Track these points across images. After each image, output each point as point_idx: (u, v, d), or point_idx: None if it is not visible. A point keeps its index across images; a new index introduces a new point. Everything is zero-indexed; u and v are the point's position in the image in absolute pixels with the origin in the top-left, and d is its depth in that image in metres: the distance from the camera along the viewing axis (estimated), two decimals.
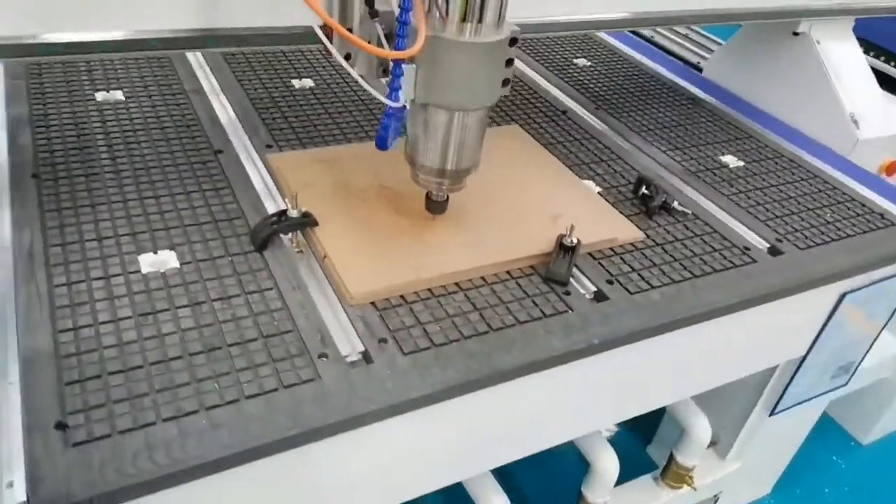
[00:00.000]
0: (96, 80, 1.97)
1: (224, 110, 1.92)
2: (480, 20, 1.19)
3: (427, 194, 1.49)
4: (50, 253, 1.36)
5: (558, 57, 2.61)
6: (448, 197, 1.50)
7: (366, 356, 1.26)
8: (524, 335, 1.34)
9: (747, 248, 1.69)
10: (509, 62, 1.26)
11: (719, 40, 2.98)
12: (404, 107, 1.24)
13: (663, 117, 2.27)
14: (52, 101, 1.84)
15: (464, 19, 1.18)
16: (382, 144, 1.29)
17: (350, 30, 1.27)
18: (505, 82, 1.28)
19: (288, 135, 1.85)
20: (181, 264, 1.39)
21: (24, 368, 1.13)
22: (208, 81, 2.05)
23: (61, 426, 1.05)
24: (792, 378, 1.95)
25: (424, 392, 1.21)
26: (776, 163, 2.09)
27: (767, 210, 1.86)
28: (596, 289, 1.50)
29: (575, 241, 1.52)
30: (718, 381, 1.83)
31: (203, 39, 1.32)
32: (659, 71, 2.61)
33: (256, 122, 1.89)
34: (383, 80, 1.25)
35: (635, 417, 1.77)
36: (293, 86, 2.08)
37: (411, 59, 1.20)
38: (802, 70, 2.24)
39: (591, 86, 2.42)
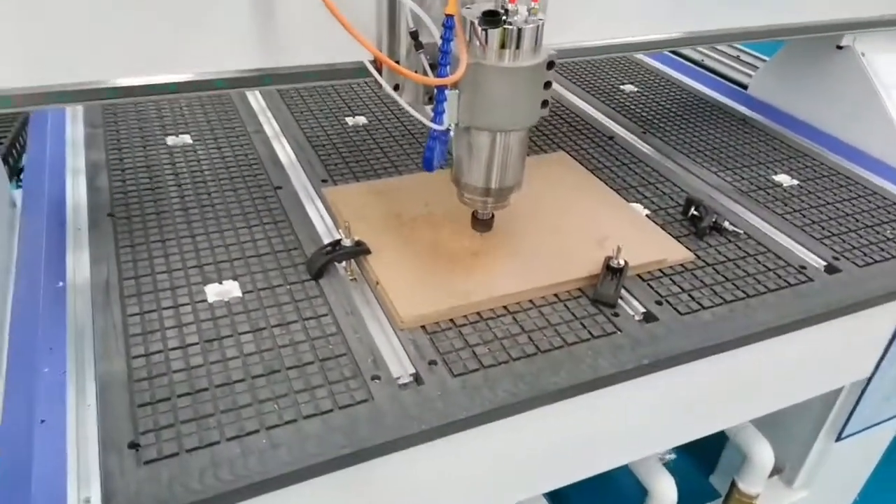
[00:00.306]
0: (167, 125, 2.11)
1: (283, 148, 2.03)
2: (518, 46, 1.25)
3: (473, 213, 1.54)
4: (124, 285, 1.47)
5: (605, 84, 2.65)
6: (493, 215, 1.55)
7: (416, 378, 1.30)
8: (571, 357, 1.36)
9: (803, 267, 1.66)
10: (547, 84, 1.31)
11: (763, 57, 2.95)
12: (448, 130, 1.30)
13: (712, 138, 2.27)
14: (127, 146, 1.99)
15: (502, 46, 1.25)
16: (429, 166, 1.37)
17: (397, 62, 1.36)
18: (544, 104, 1.33)
19: (342, 169, 1.94)
20: (243, 293, 1.47)
21: (100, 392, 1.22)
22: (268, 122, 2.17)
23: (134, 445, 1.12)
24: (857, 401, 1.89)
25: (473, 412, 1.24)
26: (832, 180, 2.06)
27: (823, 228, 1.82)
28: (645, 310, 1.50)
29: (622, 262, 1.54)
30: (778, 405, 1.78)
31: (261, 78, 1.41)
32: (706, 92, 2.61)
33: (313, 158, 1.98)
34: (428, 108, 1.32)
35: (696, 445, 1.74)
36: (347, 123, 2.18)
37: (454, 86, 1.27)
38: (849, 84, 2.20)
39: (638, 110, 2.44)
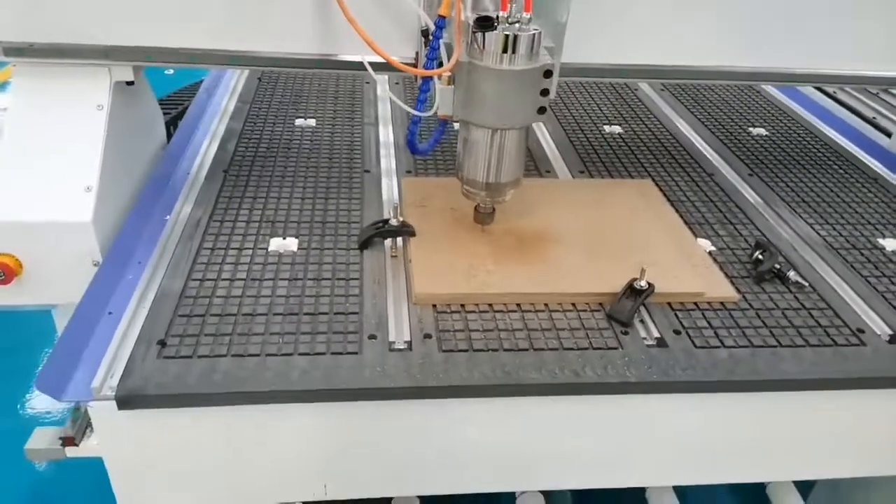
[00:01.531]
0: (300, 109, 2.43)
1: (386, 138, 2.25)
2: (514, 51, 1.35)
3: (476, 206, 1.63)
4: (210, 225, 1.75)
5: (730, 122, 2.56)
6: (494, 209, 1.64)
7: (409, 346, 1.42)
8: (559, 359, 1.40)
9: (861, 331, 1.53)
10: (545, 92, 1.38)
11: None
12: (445, 121, 1.46)
13: (825, 191, 2.11)
14: (262, 122, 2.33)
15: (496, 49, 1.36)
16: (413, 149, 1.54)
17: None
18: (541, 110, 1.40)
19: (429, 163, 2.11)
20: (298, 249, 1.68)
21: (156, 299, 1.49)
22: (385, 112, 2.42)
23: (161, 342, 1.37)
24: None
25: (444, 384, 1.33)
26: None
27: None
28: (659, 335, 1.48)
29: (645, 284, 1.53)
30: (793, 474, 1.62)
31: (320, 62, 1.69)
32: (842, 143, 2.42)
33: (408, 151, 2.17)
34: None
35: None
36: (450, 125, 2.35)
37: (450, 81, 1.40)
38: None
39: (755, 152, 2.34)
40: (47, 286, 1.67)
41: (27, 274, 1.65)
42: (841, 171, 2.26)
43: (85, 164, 1.69)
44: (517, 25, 1.37)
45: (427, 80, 1.44)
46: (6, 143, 1.69)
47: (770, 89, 2.83)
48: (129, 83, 1.81)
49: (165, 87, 3.52)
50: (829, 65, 1.92)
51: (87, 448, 1.42)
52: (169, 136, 2.29)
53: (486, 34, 1.35)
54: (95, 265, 1.64)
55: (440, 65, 1.47)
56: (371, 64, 1.63)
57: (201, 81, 2.69)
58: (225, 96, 2.48)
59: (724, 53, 1.84)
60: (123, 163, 1.87)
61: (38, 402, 1.90)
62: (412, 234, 1.70)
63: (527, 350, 1.42)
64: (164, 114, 2.33)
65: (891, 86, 2.54)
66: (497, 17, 1.36)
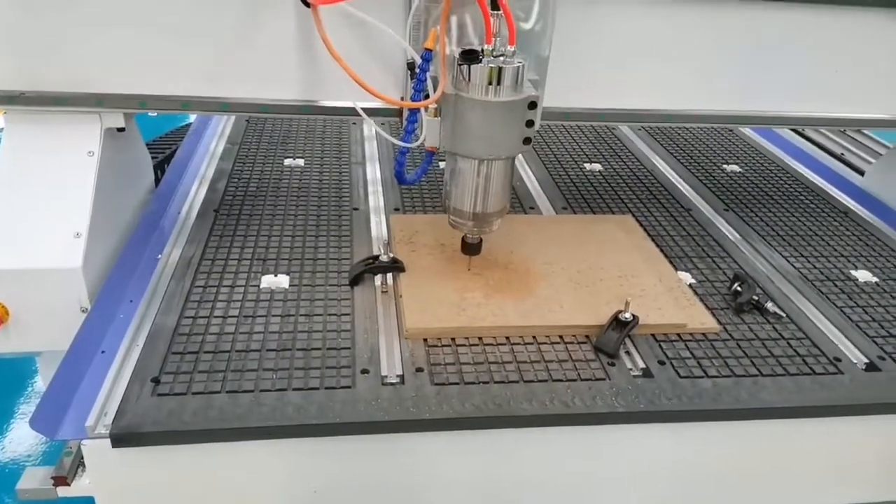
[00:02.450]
0: (288, 149, 2.49)
1: (374, 176, 2.31)
2: (500, 83, 1.40)
3: (463, 237, 1.68)
4: (202, 263, 1.78)
5: (704, 159, 2.66)
6: (481, 239, 1.68)
7: (402, 379, 1.44)
8: (548, 390, 1.43)
9: (837, 359, 1.58)
10: (530, 123, 1.44)
11: (887, 143, 2.77)
12: (432, 152, 1.52)
13: (801, 226, 2.20)
14: (251, 162, 2.37)
15: (480, 81, 1.41)
16: (400, 179, 1.59)
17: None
18: (526, 140, 1.46)
19: (416, 201, 2.16)
20: (289, 286, 1.71)
21: (150, 337, 1.51)
22: (372, 152, 2.47)
23: (155, 380, 1.38)
24: None
25: (437, 416, 1.35)
26: None
27: (883, 328, 1.71)
28: (644, 366, 1.52)
29: (629, 316, 1.58)
30: (786, 501, 1.64)
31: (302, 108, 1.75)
32: (812, 179, 2.52)
33: (393, 189, 2.23)
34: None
35: None
36: (435, 164, 2.41)
37: (437, 113, 1.45)
38: None
39: (730, 188, 2.42)
40: (34, 333, 1.66)
41: (14, 321, 1.63)
42: (812, 205, 2.35)
43: (75, 210, 1.69)
44: (502, 58, 1.43)
45: (414, 112, 1.49)
46: None
47: (743, 128, 2.94)
48: (120, 129, 1.82)
49: (151, 131, 3.54)
50: (807, 108, 1.99)
51: (79, 488, 1.42)
52: (157, 180, 2.31)
53: (472, 67, 1.40)
54: (84, 311, 1.63)
55: (426, 97, 1.51)
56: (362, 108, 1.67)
57: (188, 125, 2.73)
58: (214, 138, 2.53)
59: (704, 98, 1.92)
60: (113, 208, 1.88)
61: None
62: (402, 269, 1.74)
63: (517, 382, 1.45)
64: (152, 157, 2.36)
65: (866, 127, 2.65)
66: (482, 50, 1.41)
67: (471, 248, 1.70)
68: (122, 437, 1.27)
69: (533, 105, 1.43)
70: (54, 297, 1.63)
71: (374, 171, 2.35)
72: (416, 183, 1.70)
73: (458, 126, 1.47)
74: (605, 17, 1.75)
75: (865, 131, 2.90)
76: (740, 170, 2.60)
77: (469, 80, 1.42)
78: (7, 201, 1.69)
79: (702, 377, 1.51)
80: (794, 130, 2.98)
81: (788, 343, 1.63)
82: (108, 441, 1.27)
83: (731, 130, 2.93)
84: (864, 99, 2.00)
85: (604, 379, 1.48)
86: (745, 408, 1.44)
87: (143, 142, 2.23)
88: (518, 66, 1.42)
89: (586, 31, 1.75)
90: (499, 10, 1.42)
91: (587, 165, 2.55)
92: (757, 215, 2.25)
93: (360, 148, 2.53)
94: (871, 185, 2.48)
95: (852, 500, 1.64)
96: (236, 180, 2.24)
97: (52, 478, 1.41)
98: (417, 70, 1.47)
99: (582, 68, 1.78)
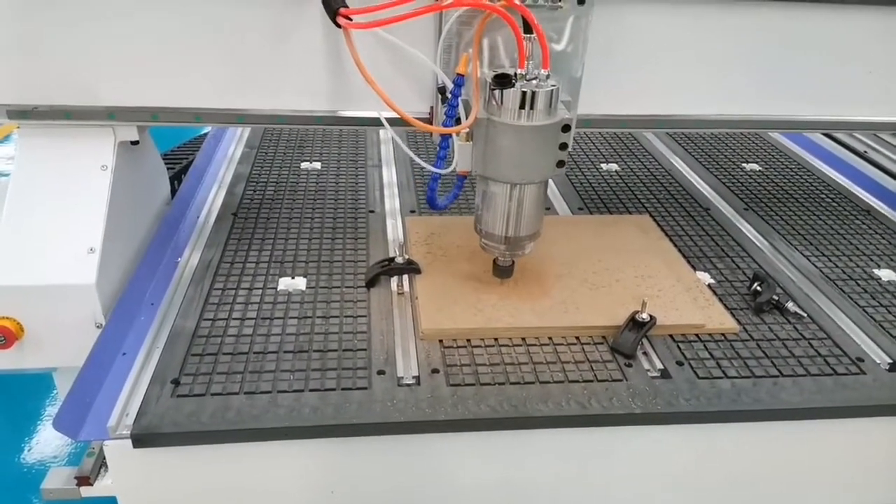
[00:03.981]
0: (305, 153, 2.50)
1: (391, 179, 2.32)
2: (532, 107, 1.39)
3: (494, 260, 1.66)
4: (220, 266, 1.79)
5: (725, 159, 2.63)
6: (514, 262, 1.66)
7: (418, 380, 1.44)
8: (565, 391, 1.42)
9: (860, 359, 1.56)
10: (563, 146, 1.42)
11: None
12: (464, 177, 1.49)
13: (821, 225, 2.17)
14: (269, 165, 2.39)
15: (514, 105, 1.39)
16: (432, 205, 1.56)
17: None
18: (560, 163, 1.44)
19: None
20: (306, 288, 1.72)
21: (170, 339, 1.53)
22: (388, 155, 2.48)
23: (175, 381, 1.40)
24: None
25: (453, 417, 1.35)
26: None
27: None
28: (663, 367, 1.51)
29: (647, 317, 1.57)
30: (806, 503, 1.62)
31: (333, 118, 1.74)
32: (836, 178, 2.48)
33: (411, 191, 2.23)
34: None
35: None
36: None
37: (468, 137, 1.44)
38: None
39: (750, 188, 2.40)
40: (49, 349, 1.65)
41: (28, 338, 1.62)
42: (834, 203, 2.32)
43: (88, 225, 1.67)
44: (535, 82, 1.41)
45: (446, 137, 1.48)
46: (9, 204, 1.68)
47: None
48: (134, 143, 1.81)
49: (168, 141, 3.53)
50: (836, 112, 1.92)
51: (102, 487, 1.44)
52: (173, 191, 2.31)
53: (505, 91, 1.39)
54: (98, 327, 1.63)
55: (458, 122, 1.49)
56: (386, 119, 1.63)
57: (205, 134, 2.76)
58: (232, 143, 2.56)
59: (729, 103, 1.87)
60: (127, 222, 1.86)
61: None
62: (418, 271, 1.75)
63: (533, 383, 1.45)
64: (168, 168, 2.35)
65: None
66: (515, 73, 1.40)
67: (503, 271, 1.67)
68: (143, 438, 1.29)
69: (567, 128, 1.41)
70: (68, 314, 1.63)
71: (389, 174, 2.36)
72: (447, 207, 1.68)
73: (490, 150, 1.45)
74: (626, 21, 1.71)
75: None
76: (760, 168, 2.57)
77: (501, 104, 1.40)
78: (21, 216, 1.68)
79: (721, 378, 1.49)
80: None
81: (809, 343, 1.61)
82: (129, 441, 1.29)
83: (752, 130, 2.90)
84: None
85: (621, 380, 1.47)
86: (765, 409, 1.42)
87: (158, 154, 2.22)
88: (551, 90, 1.40)
89: (609, 37, 1.71)
90: (532, 33, 1.41)
91: (604, 165, 2.53)
92: (777, 214, 2.22)
93: (377, 151, 2.55)
94: None
95: (874, 502, 1.62)
96: (254, 184, 2.26)
97: (76, 478, 1.43)
98: (449, 95, 1.46)
99: (600, 75, 1.76)
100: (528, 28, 1.41)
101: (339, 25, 1.49)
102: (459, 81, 1.44)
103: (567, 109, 1.49)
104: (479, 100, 1.44)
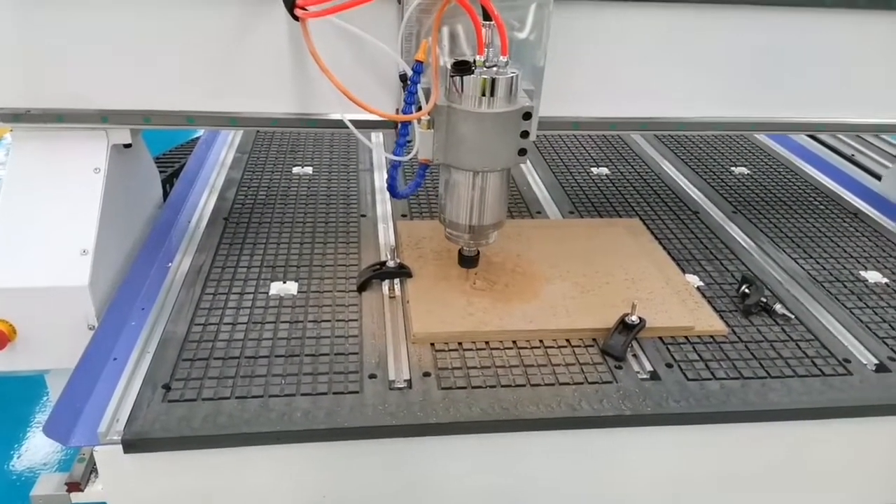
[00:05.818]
0: (297, 158, 2.51)
1: (382, 184, 2.32)
2: (493, 94, 1.40)
3: (459, 250, 1.67)
4: (212, 271, 1.80)
5: (713, 162, 2.65)
6: (479, 252, 1.67)
7: (409, 384, 1.45)
8: (555, 394, 1.43)
9: (847, 361, 1.58)
10: (524, 134, 1.43)
11: None
12: (425, 165, 1.51)
13: (808, 228, 2.19)
14: (260, 170, 2.40)
15: (473, 93, 1.40)
16: (393, 193, 1.59)
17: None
18: (522, 151, 1.45)
19: (423, 207, 2.17)
20: (298, 292, 1.73)
21: (161, 343, 1.53)
22: (380, 160, 2.49)
23: (166, 386, 1.40)
24: None
25: (443, 421, 1.36)
26: None
27: (893, 329, 1.70)
28: (652, 369, 1.52)
29: (636, 319, 1.58)
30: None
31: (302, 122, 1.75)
32: (823, 182, 2.51)
33: None
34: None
35: None
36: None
37: (430, 125, 1.44)
38: None
39: (738, 191, 2.42)
40: (41, 351, 1.65)
41: (21, 340, 1.63)
42: (822, 206, 2.34)
43: (82, 227, 1.67)
44: (495, 69, 1.42)
45: (406, 125, 1.49)
46: (2, 207, 1.69)
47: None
48: (127, 146, 1.82)
49: (160, 145, 3.55)
50: (818, 114, 1.96)
51: (92, 493, 1.43)
52: (165, 194, 2.31)
53: (465, 78, 1.40)
54: (91, 329, 1.63)
55: (419, 109, 1.49)
56: (352, 121, 1.62)
57: (198, 138, 2.76)
58: (224, 147, 2.56)
59: (715, 105, 1.89)
60: (120, 225, 1.87)
61: None
62: (409, 275, 1.75)
63: (524, 386, 1.45)
64: (161, 172, 2.36)
65: (881, 132, 2.63)
66: (474, 61, 1.41)
67: (467, 260, 1.68)
68: (134, 443, 1.29)
69: (528, 115, 1.42)
70: (61, 315, 1.63)
71: (381, 179, 2.37)
72: (409, 196, 1.69)
73: (451, 138, 1.46)
74: (611, 24, 1.74)
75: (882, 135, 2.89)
76: (749, 172, 2.59)
77: (462, 91, 1.42)
78: (14, 218, 1.68)
79: (710, 379, 1.50)
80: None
81: (797, 345, 1.63)
82: (119, 447, 1.29)
83: (738, 133, 2.92)
84: (886, 103, 1.97)
85: (611, 382, 1.48)
86: (753, 410, 1.43)
87: (150, 157, 2.23)
88: (512, 77, 1.41)
89: (592, 38, 1.74)
90: (491, 20, 1.42)
91: (594, 169, 2.55)
92: (765, 217, 2.24)
93: (368, 155, 2.55)
94: (888, 190, 2.45)
95: (861, 502, 1.63)
96: (245, 189, 2.26)
97: (66, 484, 1.43)
98: (409, 82, 1.47)
99: (588, 76, 1.78)
100: (486, 15, 1.42)
101: (296, 18, 1.49)
102: (418, 69, 1.44)
103: (529, 98, 1.50)
104: (438, 87, 1.45)
